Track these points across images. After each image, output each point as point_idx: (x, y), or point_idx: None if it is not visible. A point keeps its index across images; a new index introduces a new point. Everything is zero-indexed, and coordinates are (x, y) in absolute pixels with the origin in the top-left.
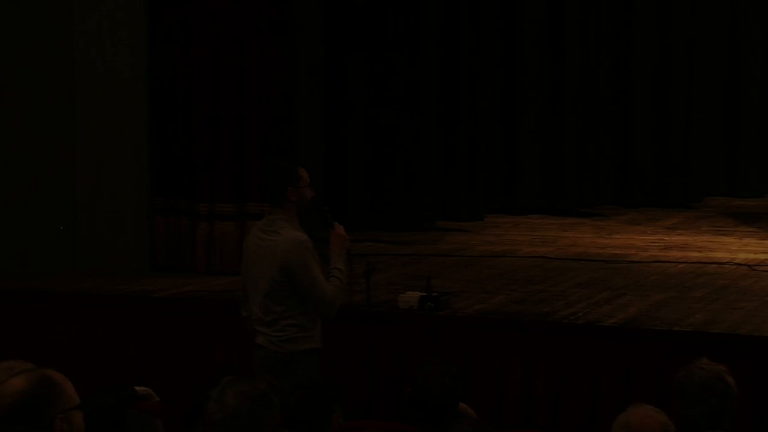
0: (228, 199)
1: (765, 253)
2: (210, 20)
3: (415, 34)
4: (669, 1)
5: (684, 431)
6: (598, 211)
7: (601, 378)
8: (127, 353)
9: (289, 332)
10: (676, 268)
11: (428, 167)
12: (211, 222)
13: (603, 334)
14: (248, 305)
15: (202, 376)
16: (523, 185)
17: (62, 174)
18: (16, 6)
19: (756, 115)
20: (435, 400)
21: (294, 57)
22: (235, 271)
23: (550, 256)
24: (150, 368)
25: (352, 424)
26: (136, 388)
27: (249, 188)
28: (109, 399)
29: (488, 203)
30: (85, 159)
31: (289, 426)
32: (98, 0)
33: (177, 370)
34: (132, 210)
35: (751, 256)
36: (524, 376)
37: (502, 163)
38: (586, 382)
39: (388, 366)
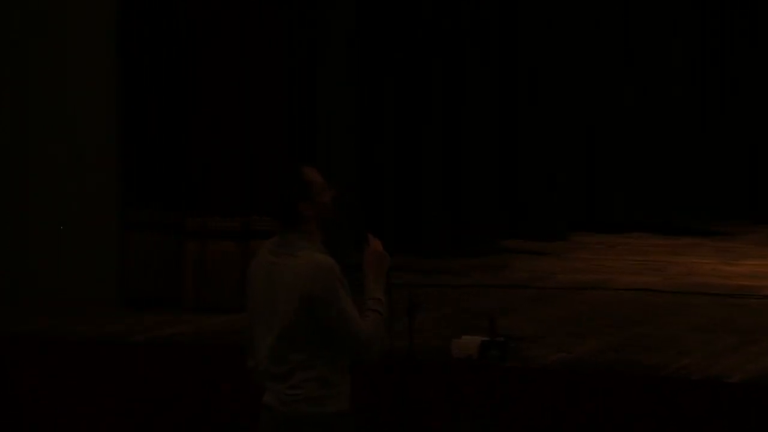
0: (227, 211)
1: None
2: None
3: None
4: None
5: None
6: (722, 229)
7: None
8: (93, 411)
9: (308, 389)
10: None
11: (488, 170)
12: (203, 241)
13: (728, 393)
14: (255, 352)
15: None
16: (620, 195)
17: (15, 185)
18: None
19: None
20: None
21: (322, 55)
22: (234, 306)
23: (657, 288)
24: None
25: None
26: None
27: (255, 197)
28: None
29: (572, 217)
30: (42, 167)
31: None
32: None
33: None
34: (98, 225)
35: None
36: None
37: (590, 166)
38: None
39: None
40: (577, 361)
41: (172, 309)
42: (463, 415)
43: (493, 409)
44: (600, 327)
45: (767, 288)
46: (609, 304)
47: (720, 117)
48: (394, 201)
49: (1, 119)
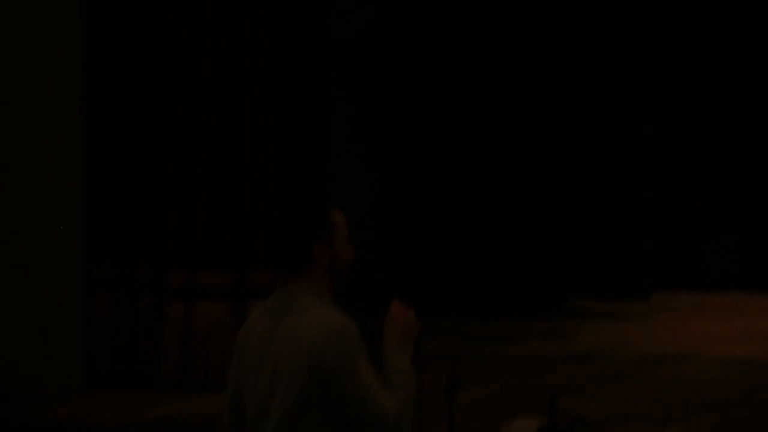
0: (219, 264)
1: None
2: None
3: None
4: None
5: None
6: None
7: None
8: None
9: None
10: None
11: (551, 210)
12: (190, 301)
13: None
14: None
15: None
16: (714, 243)
17: None
18: None
19: None
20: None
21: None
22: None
23: (764, 361)
24: None
25: None
26: None
27: (253, 247)
28: None
29: (656, 271)
30: None
31: None
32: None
33: None
34: (57, 283)
35: None
36: None
37: (677, 208)
38: None
39: None
40: None
41: (150, 387)
42: None
43: None
44: (690, 410)
45: None
46: (701, 380)
47: None
48: (430, 248)
49: None
